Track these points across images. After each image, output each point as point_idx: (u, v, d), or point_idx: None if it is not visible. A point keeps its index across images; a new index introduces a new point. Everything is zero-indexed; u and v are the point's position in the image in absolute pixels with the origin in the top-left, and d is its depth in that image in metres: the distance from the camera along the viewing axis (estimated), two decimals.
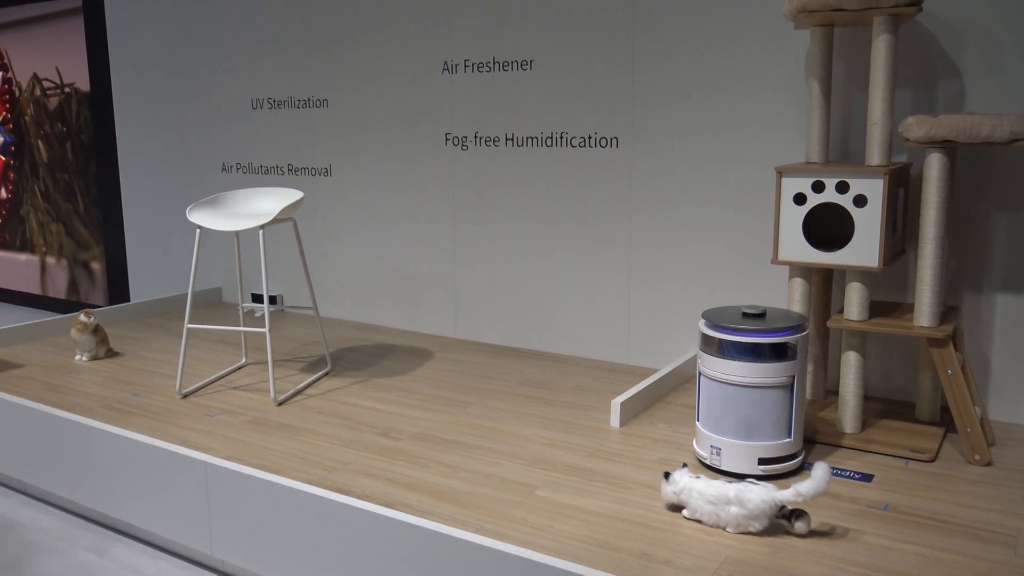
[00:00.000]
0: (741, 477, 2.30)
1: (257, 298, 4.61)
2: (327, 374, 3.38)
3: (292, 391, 3.15)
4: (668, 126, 3.24)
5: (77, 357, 3.63)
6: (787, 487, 2.10)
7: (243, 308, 3.48)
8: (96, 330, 3.61)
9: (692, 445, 2.61)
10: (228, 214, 3.12)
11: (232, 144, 4.56)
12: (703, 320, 2.41)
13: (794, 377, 2.31)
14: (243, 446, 2.63)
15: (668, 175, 3.27)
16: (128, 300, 5.25)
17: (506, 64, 3.58)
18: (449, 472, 2.43)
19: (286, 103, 4.31)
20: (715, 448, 2.37)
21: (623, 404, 2.79)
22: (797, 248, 2.59)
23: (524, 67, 3.53)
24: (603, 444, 2.63)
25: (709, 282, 3.25)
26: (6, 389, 3.19)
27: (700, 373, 2.42)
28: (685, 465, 2.18)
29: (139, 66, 4.87)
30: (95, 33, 5.02)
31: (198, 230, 3.04)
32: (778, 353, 2.28)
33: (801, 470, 2.40)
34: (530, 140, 3.57)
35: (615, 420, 2.78)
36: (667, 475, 2.16)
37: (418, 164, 3.91)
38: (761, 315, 2.37)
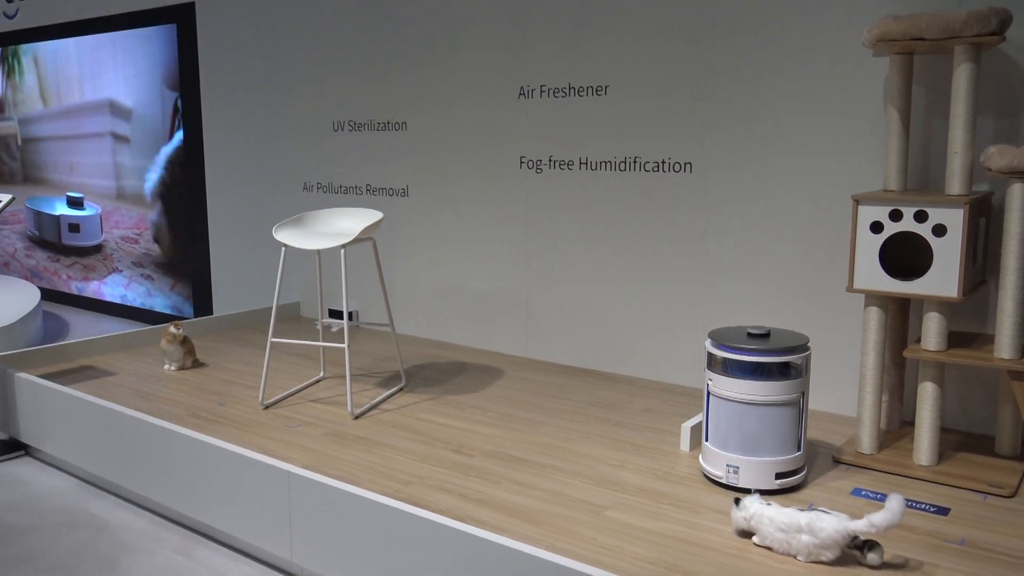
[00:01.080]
0: (759, 493, 2.30)
1: (335, 313, 4.76)
2: (401, 390, 3.48)
3: (368, 405, 3.25)
4: (742, 152, 3.26)
5: (166, 367, 3.81)
6: (860, 517, 2.09)
7: (321, 323, 3.60)
8: (184, 341, 3.78)
9: (700, 464, 2.66)
10: (311, 233, 3.24)
11: (314, 164, 4.73)
12: (710, 340, 2.51)
13: (803, 394, 2.44)
14: (321, 457, 2.73)
15: (742, 201, 3.28)
16: (212, 313, 5.46)
17: (581, 89, 3.64)
18: (520, 489, 2.48)
19: (366, 125, 4.45)
20: (732, 467, 2.43)
21: (693, 428, 2.80)
22: (873, 276, 2.58)
23: (599, 92, 3.59)
24: (672, 467, 2.65)
25: (783, 308, 3.24)
26: (101, 395, 3.36)
27: (709, 393, 2.49)
28: (756, 491, 2.19)
29: (227, 87, 5.09)
30: (187, 54, 5.27)
31: (283, 248, 3.17)
32: (787, 371, 2.42)
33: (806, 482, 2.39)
34: (603, 164, 3.62)
35: (684, 443, 2.80)
36: (737, 501, 2.17)
37: (493, 186, 4.00)
38: (766, 335, 2.49)
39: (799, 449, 2.45)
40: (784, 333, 2.54)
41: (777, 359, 2.39)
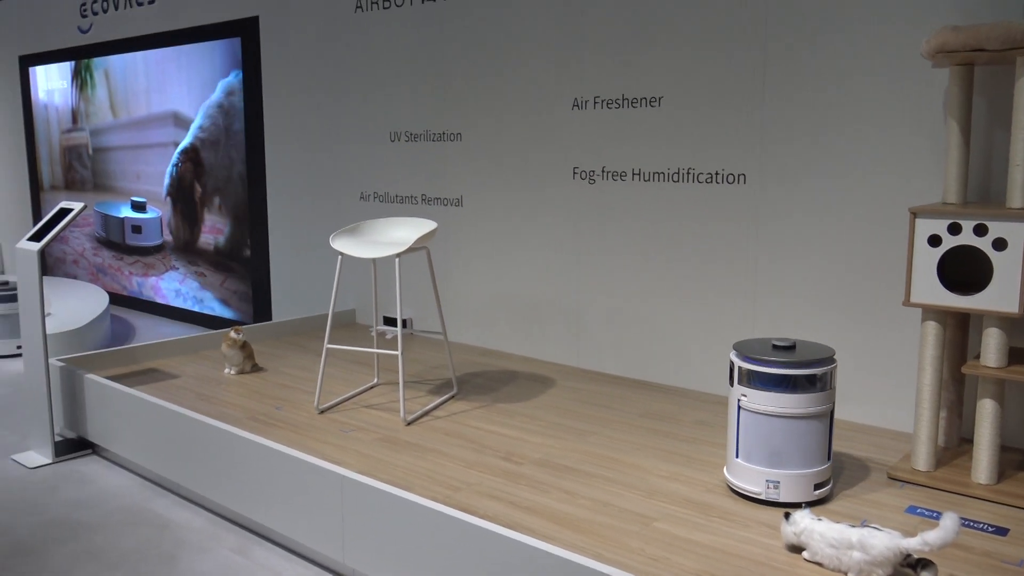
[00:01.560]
0: (809, 507, 2.27)
1: (389, 321, 4.83)
2: (453, 397, 3.52)
3: (420, 412, 3.30)
4: (798, 163, 3.23)
5: (226, 370, 3.92)
6: (913, 535, 2.06)
7: (376, 330, 3.67)
8: (244, 346, 3.89)
9: (727, 478, 2.64)
10: (367, 242, 3.31)
11: (370, 174, 4.82)
12: (740, 354, 2.48)
13: (833, 404, 2.45)
14: (374, 462, 2.79)
15: (796, 212, 3.26)
16: (270, 318, 5.59)
17: (634, 100, 3.66)
18: (568, 498, 2.50)
19: (422, 136, 4.53)
20: (772, 482, 2.41)
21: None
22: (931, 291, 2.54)
23: (652, 103, 3.60)
24: (723, 480, 2.64)
25: (837, 321, 3.20)
26: (164, 397, 3.48)
27: (740, 408, 2.46)
28: (806, 506, 2.17)
29: (288, 98, 5.22)
30: (250, 67, 5.42)
31: (339, 256, 3.25)
32: (814, 383, 2.40)
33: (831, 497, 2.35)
34: (656, 175, 3.62)
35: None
36: (787, 515, 2.16)
37: (546, 196, 4.03)
38: (792, 347, 2.48)
39: (829, 459, 2.46)
40: (810, 345, 2.53)
41: (804, 371, 2.38)
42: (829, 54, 3.11)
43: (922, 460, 2.64)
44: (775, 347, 2.49)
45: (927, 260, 2.54)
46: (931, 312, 2.59)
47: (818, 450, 2.42)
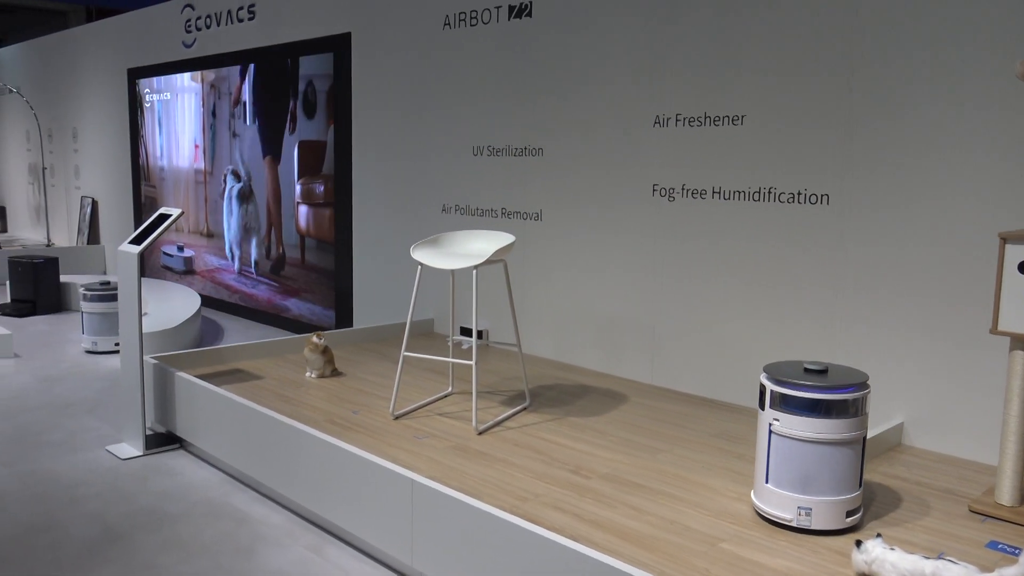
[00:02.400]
0: (880, 536, 2.20)
1: (466, 331, 4.91)
2: (525, 409, 3.56)
3: (492, 422, 3.35)
4: (883, 186, 3.17)
5: (307, 374, 4.05)
6: (991, 570, 2.00)
7: (452, 340, 3.74)
8: (325, 351, 4.01)
9: (755, 503, 2.58)
10: (447, 253, 3.39)
11: (452, 186, 4.92)
12: (771, 377, 2.42)
13: (866, 431, 2.41)
14: (445, 468, 2.84)
15: (880, 236, 3.19)
16: (351, 325, 5.74)
17: (716, 119, 3.64)
18: (635, 514, 2.50)
19: (504, 150, 4.60)
20: (803, 508, 2.36)
21: None
22: (1020, 319, 2.46)
23: (735, 122, 3.58)
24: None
25: (919, 347, 3.11)
26: (248, 397, 3.61)
27: (772, 433, 2.40)
28: (879, 535, 2.12)
29: (376, 111, 5.37)
30: (341, 81, 5.60)
31: (419, 267, 3.33)
32: (846, 409, 2.34)
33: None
34: (737, 194, 3.60)
35: None
36: (859, 543, 2.12)
37: (624, 213, 4.04)
38: (824, 371, 2.43)
39: (861, 486, 2.42)
40: (843, 370, 2.47)
41: (850, 395, 2.33)
42: (921, 76, 3.04)
43: (1006, 494, 2.54)
44: (807, 371, 2.44)
45: (1016, 287, 2.46)
46: (1019, 341, 2.50)
47: (851, 476, 2.37)
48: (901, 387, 3.19)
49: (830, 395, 2.32)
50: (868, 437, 2.98)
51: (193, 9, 7.01)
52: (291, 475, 3.09)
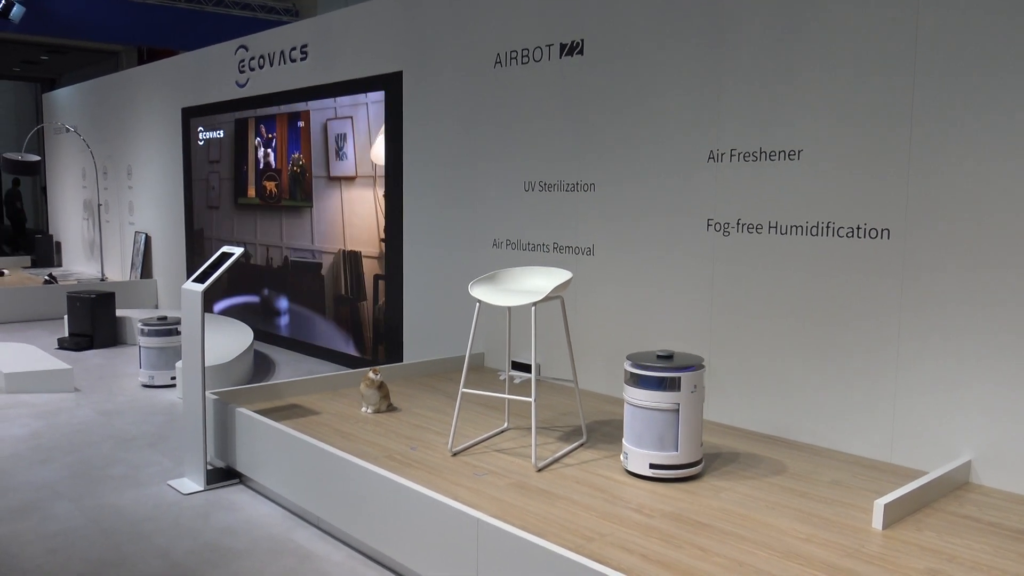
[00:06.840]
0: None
1: (517, 366, 4.92)
2: (583, 445, 3.55)
3: (551, 459, 3.35)
4: (947, 220, 3.13)
5: (363, 409, 4.08)
6: None
7: (507, 375, 3.76)
8: (381, 386, 4.05)
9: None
10: (504, 290, 3.41)
11: (504, 221, 4.96)
12: (628, 361, 3.15)
13: (679, 404, 3.06)
14: (507, 506, 2.84)
15: (942, 269, 3.15)
16: (401, 359, 5.78)
17: (772, 154, 3.64)
18: (702, 555, 2.48)
19: (556, 186, 4.63)
20: (626, 454, 3.15)
21: (887, 505, 2.69)
22: None
23: (791, 157, 3.58)
24: (863, 545, 2.56)
25: (987, 382, 3.06)
26: (307, 432, 3.65)
27: (626, 402, 3.17)
28: None
29: (428, 146, 5.45)
30: (393, 117, 5.70)
31: (477, 304, 3.36)
32: (674, 385, 3.05)
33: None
34: (794, 228, 3.59)
35: (877, 521, 2.69)
36: None
37: (678, 248, 4.04)
38: (670, 356, 3.13)
39: (676, 449, 3.07)
40: (684, 356, 3.18)
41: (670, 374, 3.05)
42: (983, 111, 3.02)
43: None
44: (658, 357, 3.14)
45: None
46: None
47: (669, 437, 3.07)
48: (968, 423, 3.13)
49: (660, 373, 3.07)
50: (936, 475, 2.92)
51: (247, 50, 7.20)
52: (353, 512, 3.11)
